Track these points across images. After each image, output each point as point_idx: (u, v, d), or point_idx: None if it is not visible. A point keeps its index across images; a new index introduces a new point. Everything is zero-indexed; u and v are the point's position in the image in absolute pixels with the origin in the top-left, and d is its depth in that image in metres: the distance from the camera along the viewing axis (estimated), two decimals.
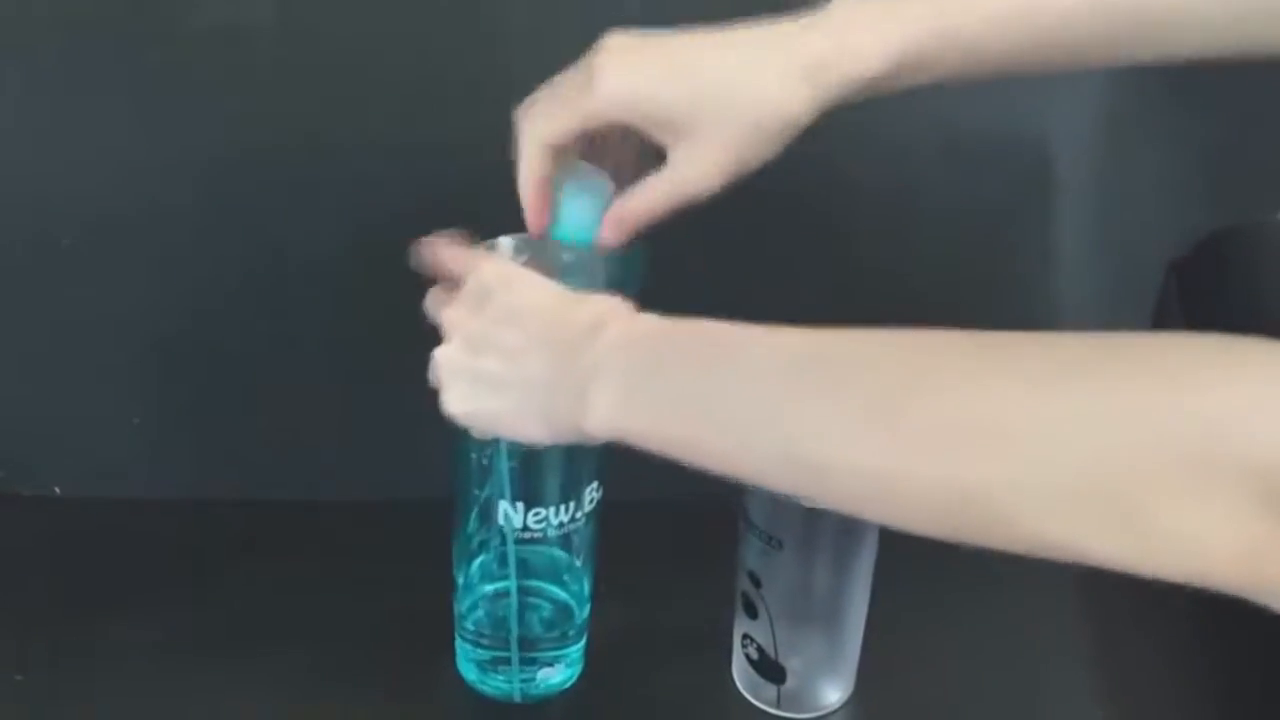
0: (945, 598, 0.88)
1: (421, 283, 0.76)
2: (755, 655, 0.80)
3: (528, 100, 0.64)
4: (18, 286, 0.92)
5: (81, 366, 0.94)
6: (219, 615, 0.88)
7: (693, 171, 0.61)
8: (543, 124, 0.63)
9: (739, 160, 0.60)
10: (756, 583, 0.77)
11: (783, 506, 0.74)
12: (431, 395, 0.76)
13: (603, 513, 0.79)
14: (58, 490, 0.98)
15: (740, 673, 0.82)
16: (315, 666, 0.84)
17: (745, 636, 0.80)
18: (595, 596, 0.83)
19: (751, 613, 0.79)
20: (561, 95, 0.62)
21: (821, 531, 0.75)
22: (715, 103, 0.59)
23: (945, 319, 0.79)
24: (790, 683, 0.80)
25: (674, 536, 0.90)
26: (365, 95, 0.88)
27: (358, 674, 0.83)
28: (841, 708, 0.82)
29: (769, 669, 0.80)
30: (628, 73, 0.60)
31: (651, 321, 0.59)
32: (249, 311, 0.92)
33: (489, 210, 0.88)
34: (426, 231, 0.86)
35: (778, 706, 0.81)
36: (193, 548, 0.93)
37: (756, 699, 0.81)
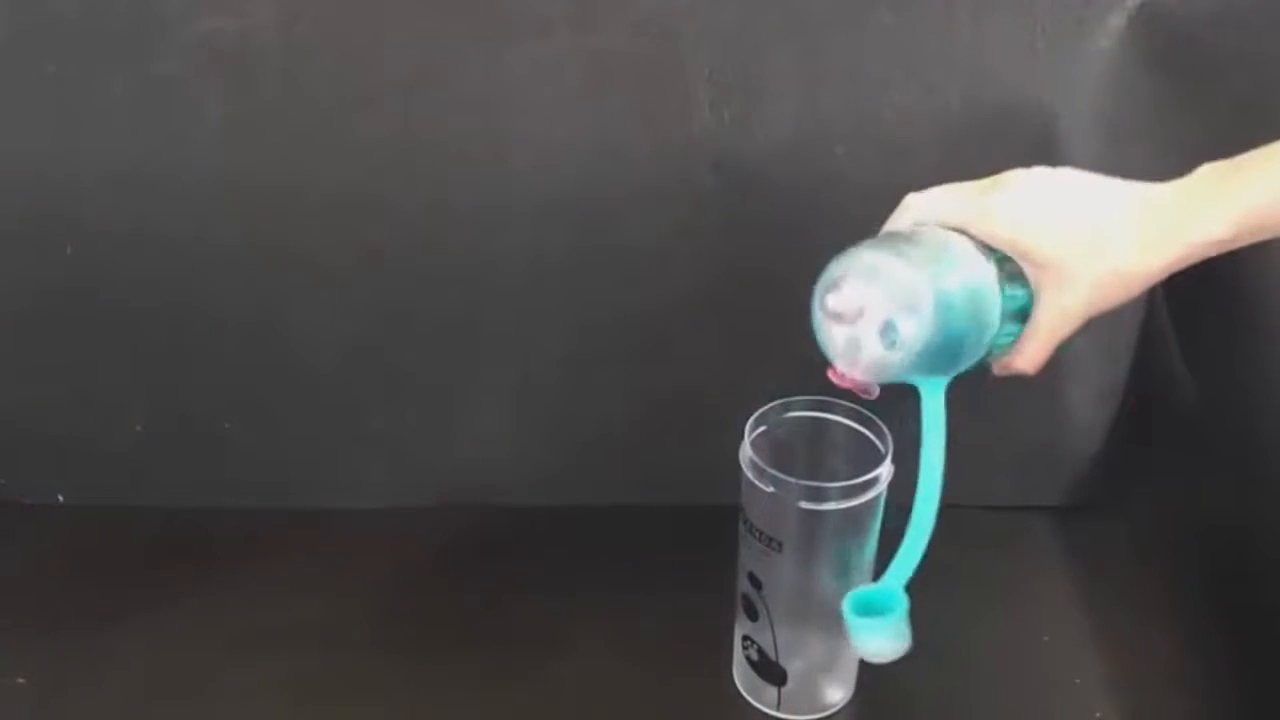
0: (945, 598, 0.88)
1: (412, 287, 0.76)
2: (756, 657, 0.80)
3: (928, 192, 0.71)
4: (20, 294, 0.93)
5: (84, 375, 0.94)
6: (220, 623, 0.88)
7: (1059, 317, 0.69)
8: (935, 206, 0.70)
9: (1099, 300, 0.68)
10: (757, 584, 0.77)
11: (782, 508, 0.74)
12: (437, 400, 0.76)
13: (604, 517, 0.78)
14: (61, 498, 0.98)
15: (741, 675, 0.83)
16: (315, 673, 0.84)
17: (746, 638, 0.81)
18: (594, 598, 0.82)
19: (752, 614, 0.79)
20: (963, 195, 0.70)
21: (821, 533, 0.75)
22: (1083, 248, 0.67)
23: None
24: (791, 684, 0.80)
25: (674, 538, 0.91)
26: (367, 99, 0.89)
27: (357, 680, 0.83)
28: (842, 710, 0.82)
29: (769, 671, 0.80)
30: (1014, 219, 0.68)
31: None
32: (252, 318, 0.92)
33: (488, 215, 0.89)
34: (427, 236, 0.86)
35: (778, 708, 0.81)
36: (195, 556, 0.94)
37: (757, 701, 0.82)
